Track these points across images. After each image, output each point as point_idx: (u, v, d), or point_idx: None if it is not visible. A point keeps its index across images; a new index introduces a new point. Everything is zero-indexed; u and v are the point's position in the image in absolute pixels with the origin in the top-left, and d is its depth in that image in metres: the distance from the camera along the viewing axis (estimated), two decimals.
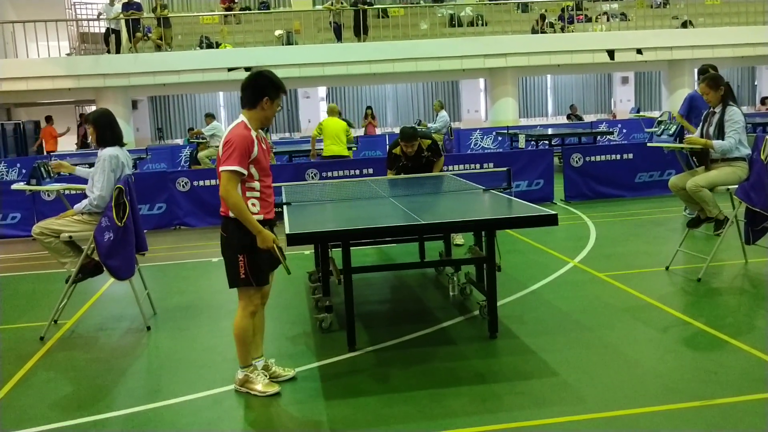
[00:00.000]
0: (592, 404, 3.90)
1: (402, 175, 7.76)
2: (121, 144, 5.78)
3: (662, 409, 3.79)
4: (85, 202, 5.66)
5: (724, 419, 3.65)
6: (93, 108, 23.08)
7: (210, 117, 16.77)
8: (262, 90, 4.13)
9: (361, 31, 20.63)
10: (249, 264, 4.14)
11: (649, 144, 10.50)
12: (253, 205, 4.15)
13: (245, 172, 4.07)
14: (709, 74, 6.59)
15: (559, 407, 3.88)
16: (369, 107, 23.13)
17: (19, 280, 7.85)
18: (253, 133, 4.13)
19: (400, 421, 3.84)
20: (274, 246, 4.12)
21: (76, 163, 14.67)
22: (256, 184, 4.17)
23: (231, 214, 4.13)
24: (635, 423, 3.66)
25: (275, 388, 4.29)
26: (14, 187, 7.14)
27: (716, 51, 21.25)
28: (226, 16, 22.28)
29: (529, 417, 3.78)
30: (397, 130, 23.88)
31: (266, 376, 4.36)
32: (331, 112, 12.79)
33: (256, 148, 4.10)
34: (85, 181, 5.89)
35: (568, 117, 23.91)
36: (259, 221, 4.12)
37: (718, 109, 6.44)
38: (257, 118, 4.18)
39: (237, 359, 4.35)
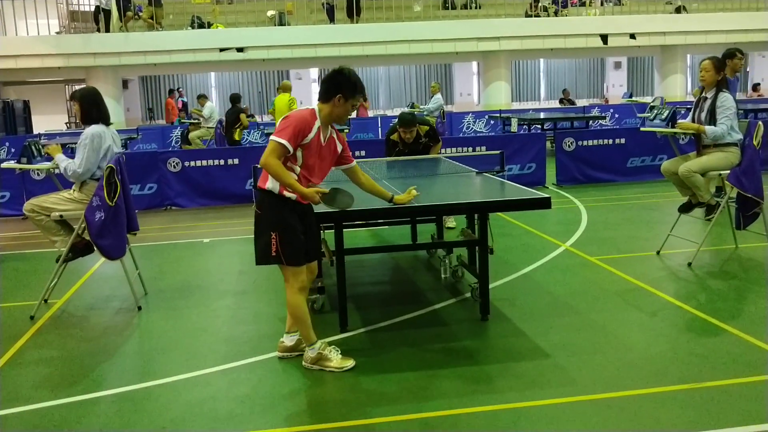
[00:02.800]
0: (583, 386, 3.92)
1: (395, 157, 7.74)
2: (107, 123, 5.74)
3: (653, 392, 3.81)
4: (65, 162, 5.61)
5: (714, 402, 3.67)
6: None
7: (204, 98, 16.71)
8: (337, 86, 4.12)
9: (354, 12, 20.51)
10: (281, 242, 4.12)
11: (642, 128, 10.52)
12: None
13: (291, 149, 4.02)
14: (716, 56, 6.54)
15: (550, 389, 3.90)
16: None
17: (9, 259, 7.80)
18: (317, 123, 4.11)
19: (392, 401, 3.85)
20: (319, 195, 4.08)
21: (65, 143, 14.56)
22: (297, 169, 4.12)
23: (267, 187, 4.11)
24: (626, 405, 3.68)
25: (351, 362, 4.27)
26: (4, 165, 7.10)
27: (709, 37, 21.27)
28: None
29: (520, 398, 3.80)
30: (389, 113, 23.90)
31: (338, 350, 4.34)
32: (284, 88, 13.35)
33: (311, 136, 4.08)
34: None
35: (561, 101, 23.90)
36: (292, 201, 4.12)
37: (710, 95, 6.43)
38: (327, 112, 4.16)
39: (302, 337, 4.34)
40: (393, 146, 7.92)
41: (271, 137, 4.05)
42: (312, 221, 4.37)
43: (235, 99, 15.60)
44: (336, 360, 4.28)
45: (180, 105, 21.06)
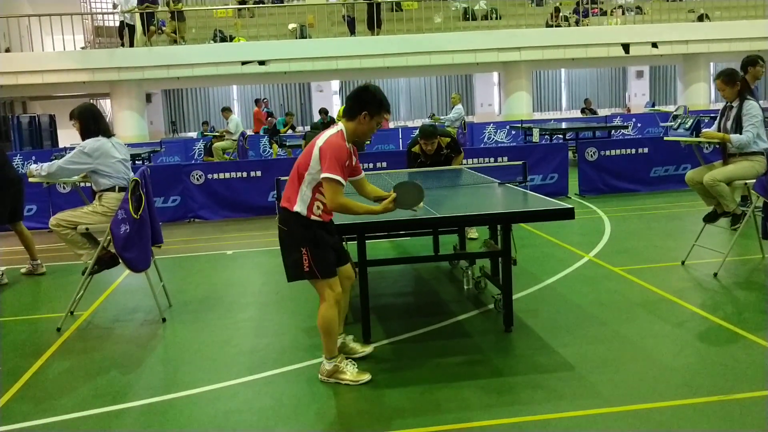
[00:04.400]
0: (609, 398, 3.89)
1: (417, 169, 7.74)
2: (108, 135, 5.86)
3: (679, 404, 3.77)
4: (39, 166, 5.85)
5: (742, 414, 3.62)
6: (108, 102, 23.24)
7: (228, 111, 16.86)
8: (362, 104, 4.14)
9: (374, 24, 20.60)
10: (313, 256, 4.12)
11: (666, 138, 10.43)
12: (318, 207, 4.14)
13: (344, 183, 4.08)
14: (724, 70, 6.53)
15: (575, 401, 3.87)
16: None
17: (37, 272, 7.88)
18: (348, 145, 4.15)
19: (415, 413, 3.84)
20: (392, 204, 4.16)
21: None
22: (323, 198, 4.14)
23: (295, 209, 4.13)
24: (652, 417, 3.64)
25: (366, 377, 4.27)
26: (31, 179, 7.19)
27: (732, 45, 21.07)
28: (239, 9, 22.30)
29: (545, 411, 3.77)
30: (410, 124, 23.92)
31: (355, 365, 4.35)
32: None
33: (348, 161, 4.13)
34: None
35: (583, 111, 23.78)
36: (318, 222, 4.15)
37: (735, 104, 6.38)
38: (353, 130, 4.18)
39: (324, 351, 4.31)
40: (414, 158, 7.92)
41: (329, 175, 4.00)
42: (337, 237, 4.44)
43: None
44: (351, 373, 4.28)
45: (265, 116, 21.19)
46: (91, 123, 5.82)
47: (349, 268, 4.52)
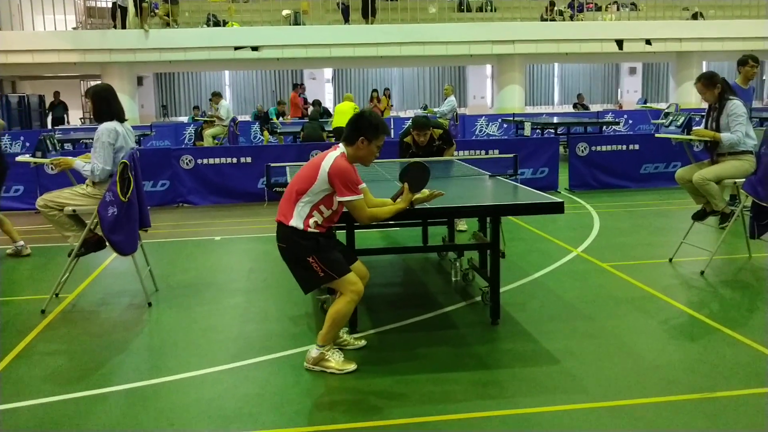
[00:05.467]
0: (593, 393, 3.90)
1: (409, 159, 7.71)
2: (121, 119, 5.76)
3: (663, 401, 3.78)
4: (88, 166, 5.64)
5: (726, 412, 3.64)
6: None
7: (218, 96, 16.73)
8: (358, 130, 4.23)
9: (369, 13, 20.52)
10: (322, 261, 4.17)
11: (657, 135, 10.45)
12: (315, 222, 4.22)
13: (361, 195, 4.23)
14: (703, 74, 6.56)
15: (559, 395, 3.88)
16: (374, 90, 23.06)
17: (22, 253, 7.83)
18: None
19: (400, 404, 3.84)
20: (414, 197, 4.38)
21: (80, 138, 14.62)
22: (326, 213, 4.24)
23: (291, 224, 4.20)
24: (636, 413, 3.65)
25: (352, 366, 4.27)
26: (19, 158, 7.14)
27: (726, 44, 21.14)
28: None
29: (529, 404, 3.78)
30: (402, 115, 23.88)
31: (341, 354, 4.36)
32: (348, 99, 15.22)
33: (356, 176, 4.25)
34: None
35: (575, 106, 23.83)
36: (316, 233, 4.21)
37: (717, 105, 6.41)
38: (353, 155, 4.28)
39: (318, 337, 4.31)
40: (406, 149, 7.90)
41: (347, 199, 4.15)
42: (337, 240, 4.55)
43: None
44: (337, 362, 4.27)
45: (302, 101, 21.01)
46: (104, 106, 5.69)
47: (361, 266, 4.55)
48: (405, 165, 4.50)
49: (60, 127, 20.47)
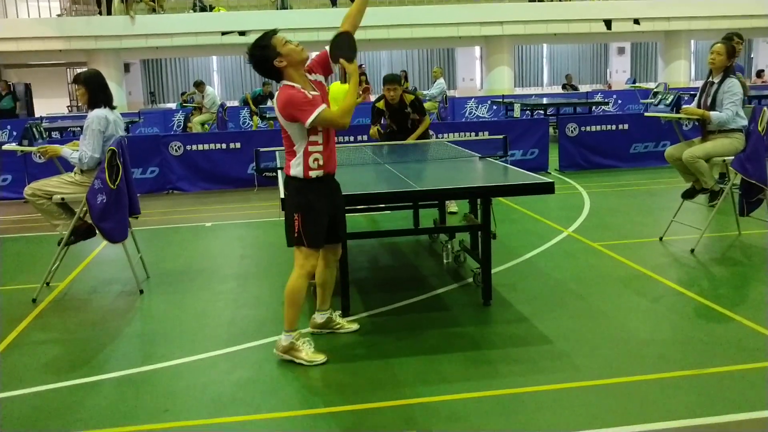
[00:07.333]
0: (586, 372, 3.92)
1: (397, 142, 7.71)
2: (112, 106, 5.71)
3: (655, 378, 3.81)
4: (76, 153, 5.59)
5: (716, 388, 3.67)
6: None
7: (201, 85, 16.56)
8: (265, 61, 4.02)
9: None
10: (303, 222, 4.09)
11: (646, 114, 10.47)
12: (314, 161, 4.07)
13: (324, 106, 4.02)
14: (729, 34, 6.46)
15: (552, 375, 3.90)
16: (363, 74, 22.91)
17: (11, 242, 7.80)
18: (299, 89, 4.02)
19: (393, 385, 3.85)
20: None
21: (67, 126, 14.51)
22: (320, 147, 4.10)
23: (291, 173, 4.10)
24: (628, 391, 3.68)
25: (321, 357, 4.19)
26: (6, 147, 7.07)
27: (713, 22, 21.13)
28: None
29: (522, 384, 3.79)
30: None
31: (311, 344, 4.27)
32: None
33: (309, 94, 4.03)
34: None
35: (564, 87, 23.79)
36: (316, 181, 4.09)
37: (716, 80, 6.38)
38: (290, 77, 4.05)
39: (283, 322, 4.23)
40: (378, 114, 8.05)
41: (313, 117, 3.90)
42: (341, 201, 4.36)
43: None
44: (307, 353, 4.19)
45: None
46: (99, 92, 5.62)
47: (338, 249, 4.52)
48: (330, 42, 4.23)
49: (46, 114, 20.24)
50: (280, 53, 3.98)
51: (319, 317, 4.65)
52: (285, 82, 4.04)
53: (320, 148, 4.08)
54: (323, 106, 3.99)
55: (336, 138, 4.36)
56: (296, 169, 4.09)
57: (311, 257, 4.17)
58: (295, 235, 4.13)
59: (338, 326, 4.65)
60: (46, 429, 3.54)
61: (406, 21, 20.04)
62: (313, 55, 4.28)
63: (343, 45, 4.19)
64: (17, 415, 3.71)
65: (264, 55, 4.00)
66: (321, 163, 4.09)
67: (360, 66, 22.03)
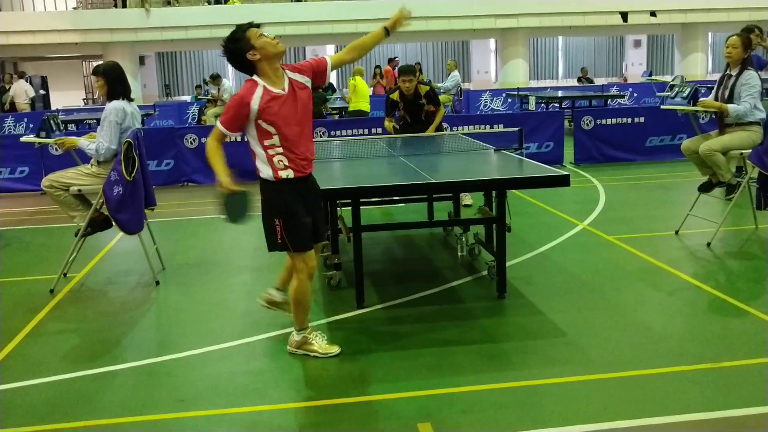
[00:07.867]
0: (600, 365, 3.91)
1: (412, 134, 7.71)
2: (130, 99, 5.73)
3: (670, 371, 3.79)
4: (92, 145, 5.63)
5: (732, 382, 3.65)
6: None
7: (218, 78, 16.59)
8: (238, 53, 3.97)
9: None
10: (285, 229, 3.99)
11: (663, 107, 10.39)
12: (280, 161, 3.99)
13: (226, 132, 4.12)
14: (747, 27, 6.42)
15: (566, 367, 3.89)
16: (377, 66, 22.90)
17: (29, 234, 7.87)
18: (260, 85, 3.94)
19: (409, 377, 3.86)
20: (226, 190, 3.97)
21: (83, 119, 14.59)
22: (278, 149, 4.00)
23: (262, 176, 4.02)
24: (643, 384, 3.67)
25: (336, 349, 4.19)
26: (23, 139, 7.14)
27: (731, 15, 20.93)
28: None
29: (536, 376, 3.79)
30: None
31: (324, 336, 4.26)
32: (359, 73, 14.65)
33: (257, 102, 3.93)
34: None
35: (579, 80, 23.64)
36: (289, 182, 4.00)
37: (734, 72, 6.33)
38: (261, 70, 3.98)
39: (293, 322, 4.22)
40: (393, 105, 8.03)
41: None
42: (317, 199, 4.23)
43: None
44: (320, 345, 4.19)
45: (396, 74, 20.73)
46: (119, 84, 5.64)
47: (317, 247, 4.30)
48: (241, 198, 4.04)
49: (63, 107, 20.38)
50: (253, 46, 3.91)
51: (278, 296, 4.53)
52: (254, 77, 3.97)
53: (279, 150, 3.95)
54: (220, 127, 4.01)
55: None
56: (265, 172, 4.00)
57: (306, 258, 4.07)
58: (279, 242, 4.02)
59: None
60: (65, 418, 3.58)
61: (421, 13, 19.97)
62: (330, 47, 4.23)
63: (235, 208, 4.04)
64: (36, 404, 3.75)
65: (237, 47, 3.94)
66: (286, 163, 3.95)
67: (394, 59, 21.96)
